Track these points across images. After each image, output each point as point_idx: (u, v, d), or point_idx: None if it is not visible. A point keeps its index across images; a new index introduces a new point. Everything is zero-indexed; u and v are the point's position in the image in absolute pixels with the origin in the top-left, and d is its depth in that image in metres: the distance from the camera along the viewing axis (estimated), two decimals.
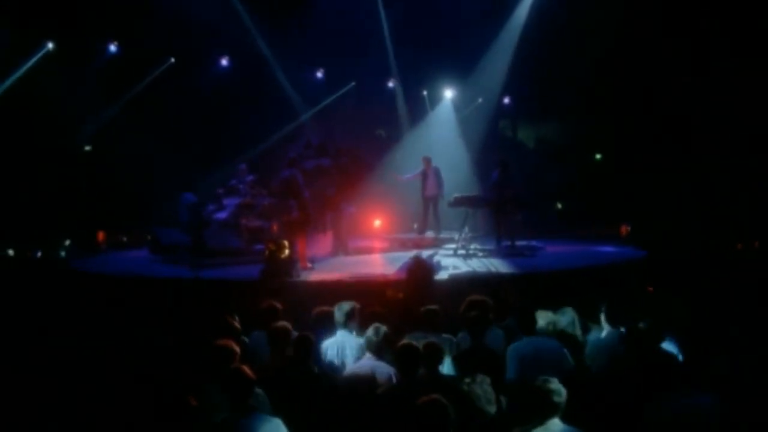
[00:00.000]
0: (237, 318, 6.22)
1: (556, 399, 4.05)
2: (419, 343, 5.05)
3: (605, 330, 6.17)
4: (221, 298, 8.50)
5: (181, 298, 8.40)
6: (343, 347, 5.83)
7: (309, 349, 5.34)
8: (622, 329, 6.06)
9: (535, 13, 15.82)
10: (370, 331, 5.41)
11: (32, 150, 14.23)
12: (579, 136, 18.54)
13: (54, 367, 5.61)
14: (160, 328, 6.46)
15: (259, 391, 4.58)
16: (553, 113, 18.86)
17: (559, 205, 18.43)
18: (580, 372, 5.49)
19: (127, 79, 16.00)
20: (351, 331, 5.98)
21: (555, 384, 4.12)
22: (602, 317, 6.22)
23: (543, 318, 6.10)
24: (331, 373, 5.62)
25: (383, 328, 5.41)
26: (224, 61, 16.91)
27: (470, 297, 6.33)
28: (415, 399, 4.12)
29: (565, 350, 5.53)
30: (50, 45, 14.63)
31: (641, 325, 5.74)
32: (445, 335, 6.00)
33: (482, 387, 4.70)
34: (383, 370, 5.21)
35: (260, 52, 16.33)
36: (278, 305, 6.28)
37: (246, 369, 4.46)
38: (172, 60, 16.42)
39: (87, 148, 16.57)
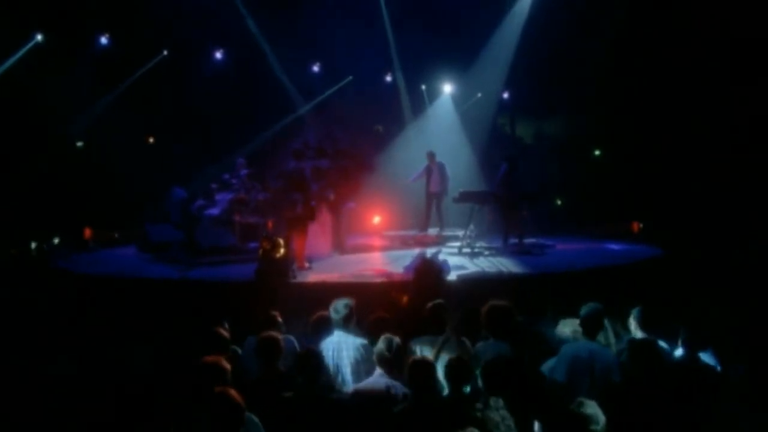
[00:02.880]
0: (227, 326, 5.44)
1: (593, 428, 3.46)
2: (444, 357, 4.56)
3: (638, 337, 5.34)
4: (211, 301, 7.60)
5: (167, 302, 7.46)
6: (340, 348, 5.17)
7: (316, 366, 4.55)
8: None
9: (537, 5, 15.06)
10: (381, 344, 4.64)
11: (20, 144, 13.45)
12: (578, 132, 17.80)
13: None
14: (141, 338, 5.54)
15: (253, 418, 3.91)
16: (553, 108, 18.11)
17: (559, 202, 17.68)
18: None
19: (119, 73, 15.21)
20: (349, 331, 5.33)
21: (592, 408, 3.54)
22: (632, 323, 5.44)
23: (569, 326, 5.37)
24: (335, 390, 4.87)
25: (396, 341, 4.66)
26: (218, 54, 16.10)
27: (492, 302, 5.50)
28: (434, 422, 3.70)
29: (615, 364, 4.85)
30: (39, 37, 13.87)
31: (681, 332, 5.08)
32: (464, 340, 5.25)
33: (498, 412, 3.95)
34: (398, 390, 4.49)
35: (256, 44, 15.55)
36: (278, 316, 5.52)
37: (233, 393, 3.63)
38: (165, 53, 15.59)
39: (79, 144, 15.75)
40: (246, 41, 15.38)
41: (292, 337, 5.42)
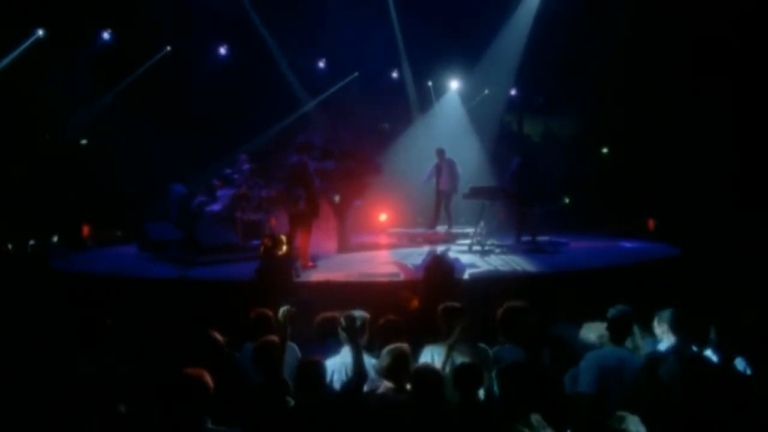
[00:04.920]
0: (224, 329, 4.87)
1: None
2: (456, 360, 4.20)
3: (665, 342, 4.83)
4: (210, 302, 7.07)
5: (162, 303, 6.93)
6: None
7: (318, 378, 4.05)
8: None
9: (546, 2, 14.58)
10: (384, 355, 4.17)
11: (21, 141, 13.07)
12: (586, 130, 17.33)
13: None
14: (132, 345, 5.02)
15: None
16: (561, 106, 17.72)
17: (567, 200, 17.19)
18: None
19: (121, 69, 14.72)
20: (362, 349, 4.63)
21: (634, 424, 3.14)
22: (658, 325, 4.91)
23: (594, 330, 4.84)
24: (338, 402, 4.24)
25: (401, 348, 4.19)
26: (222, 50, 15.57)
27: (508, 303, 4.99)
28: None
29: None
30: (41, 32, 13.37)
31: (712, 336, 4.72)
32: (481, 345, 4.75)
33: (545, 431, 3.47)
34: (405, 400, 4.01)
35: (260, 40, 15.06)
36: (270, 313, 4.95)
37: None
38: (168, 48, 15.09)
39: (83, 142, 15.31)
40: (250, 37, 14.88)
41: (294, 345, 4.91)
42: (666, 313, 4.90)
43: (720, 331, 4.86)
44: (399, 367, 4.07)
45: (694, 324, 4.90)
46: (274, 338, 4.38)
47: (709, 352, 4.74)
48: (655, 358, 4.77)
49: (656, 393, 4.25)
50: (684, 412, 4.01)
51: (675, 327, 4.81)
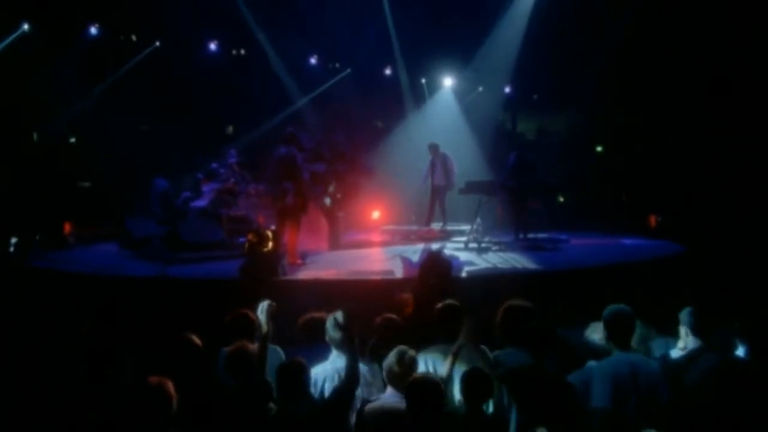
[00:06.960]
0: (205, 332, 4.37)
1: None
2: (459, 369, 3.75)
3: (683, 346, 4.33)
4: (191, 302, 6.54)
5: (141, 303, 6.38)
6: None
7: (299, 383, 3.62)
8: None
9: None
10: (391, 358, 3.79)
11: (3, 138, 12.51)
12: (581, 128, 16.94)
13: None
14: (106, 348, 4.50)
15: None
16: (555, 104, 17.29)
17: (561, 198, 16.78)
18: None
19: (109, 65, 14.19)
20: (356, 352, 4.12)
21: None
22: (682, 327, 4.37)
23: (600, 332, 4.31)
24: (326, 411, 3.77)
25: (410, 353, 3.81)
26: (212, 45, 15.03)
27: (509, 302, 4.49)
28: None
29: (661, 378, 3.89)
30: (26, 26, 12.85)
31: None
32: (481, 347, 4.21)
33: None
34: None
35: (252, 35, 14.56)
36: (250, 315, 4.44)
37: None
38: (157, 44, 14.57)
39: (72, 140, 14.79)
40: (241, 32, 14.41)
41: (278, 348, 4.39)
42: (685, 313, 4.41)
43: (745, 333, 4.38)
44: (408, 373, 3.67)
45: (716, 325, 4.44)
46: (249, 344, 3.92)
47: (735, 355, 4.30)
48: (675, 365, 4.28)
49: (684, 403, 3.76)
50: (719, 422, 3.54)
51: (696, 327, 4.31)
